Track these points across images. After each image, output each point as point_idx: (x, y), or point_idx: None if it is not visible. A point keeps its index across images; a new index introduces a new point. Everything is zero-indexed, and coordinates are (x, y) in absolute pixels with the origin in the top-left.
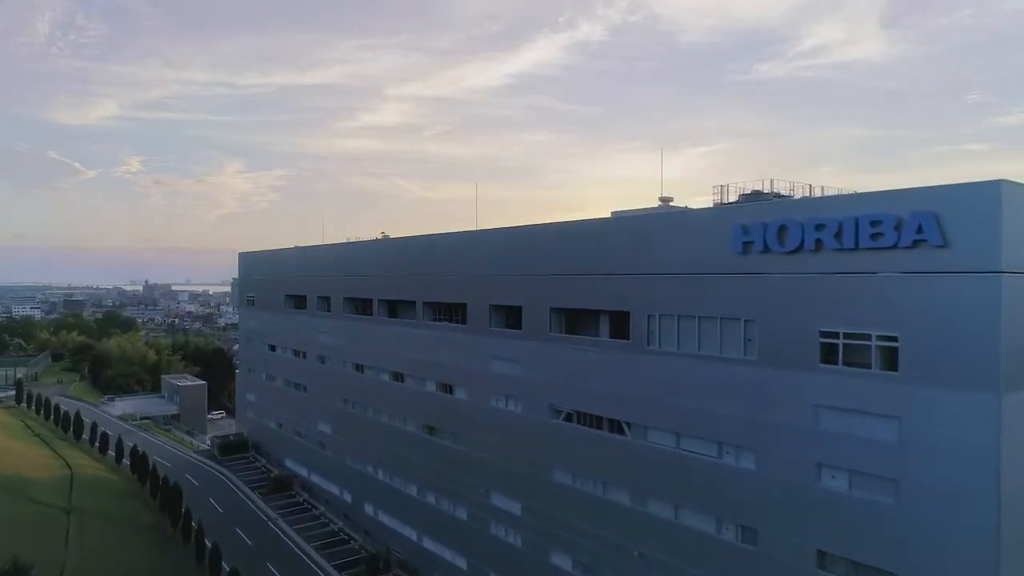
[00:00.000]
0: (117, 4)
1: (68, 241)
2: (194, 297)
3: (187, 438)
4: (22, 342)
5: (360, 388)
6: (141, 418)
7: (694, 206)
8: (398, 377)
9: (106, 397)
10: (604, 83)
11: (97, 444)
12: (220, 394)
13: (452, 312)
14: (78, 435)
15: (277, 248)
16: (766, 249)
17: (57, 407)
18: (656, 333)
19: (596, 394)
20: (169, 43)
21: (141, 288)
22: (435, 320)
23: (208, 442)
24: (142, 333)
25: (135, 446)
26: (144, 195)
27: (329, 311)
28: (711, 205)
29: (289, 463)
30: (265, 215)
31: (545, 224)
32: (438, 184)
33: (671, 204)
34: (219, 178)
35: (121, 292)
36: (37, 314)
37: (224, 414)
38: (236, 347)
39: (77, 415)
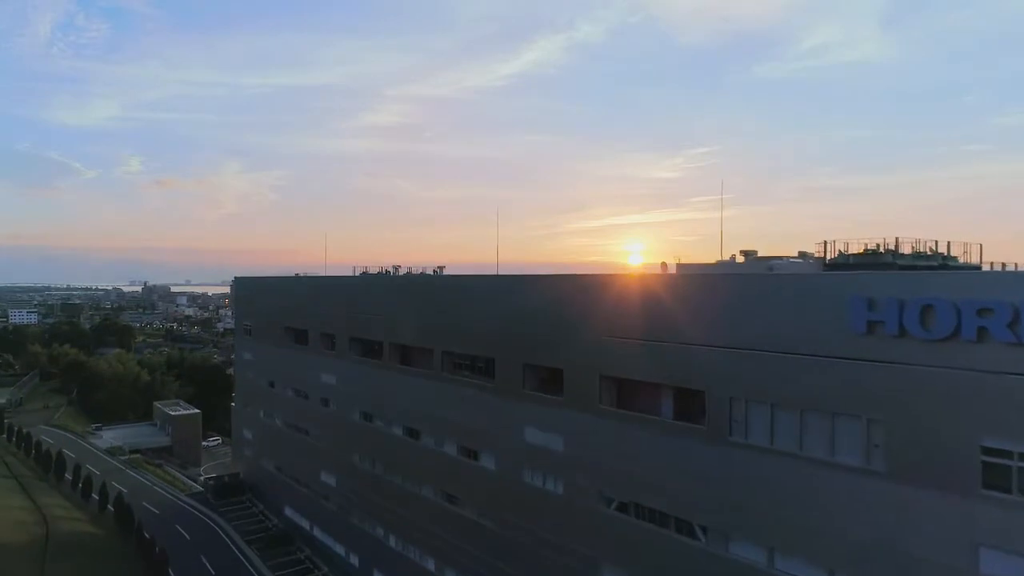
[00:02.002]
0: (117, 5)
1: (68, 241)
2: (193, 299)
3: (179, 477)
4: (10, 358)
5: (369, 440)
6: (130, 451)
7: (775, 253)
8: (413, 433)
9: (93, 427)
10: (604, 84)
11: (80, 486)
12: (217, 413)
13: (477, 365)
14: (60, 475)
15: (276, 271)
16: (902, 333)
17: (39, 444)
18: (741, 421)
19: (659, 485)
20: (169, 43)
21: (140, 289)
22: (457, 373)
23: (202, 476)
24: (139, 340)
25: (120, 495)
26: (144, 195)
27: (333, 349)
28: (805, 257)
29: (289, 511)
30: (265, 215)
31: (598, 275)
32: (438, 184)
33: (757, 257)
34: (219, 178)
35: (120, 294)
36: (34, 318)
37: (220, 440)
38: (233, 354)
39: (59, 454)
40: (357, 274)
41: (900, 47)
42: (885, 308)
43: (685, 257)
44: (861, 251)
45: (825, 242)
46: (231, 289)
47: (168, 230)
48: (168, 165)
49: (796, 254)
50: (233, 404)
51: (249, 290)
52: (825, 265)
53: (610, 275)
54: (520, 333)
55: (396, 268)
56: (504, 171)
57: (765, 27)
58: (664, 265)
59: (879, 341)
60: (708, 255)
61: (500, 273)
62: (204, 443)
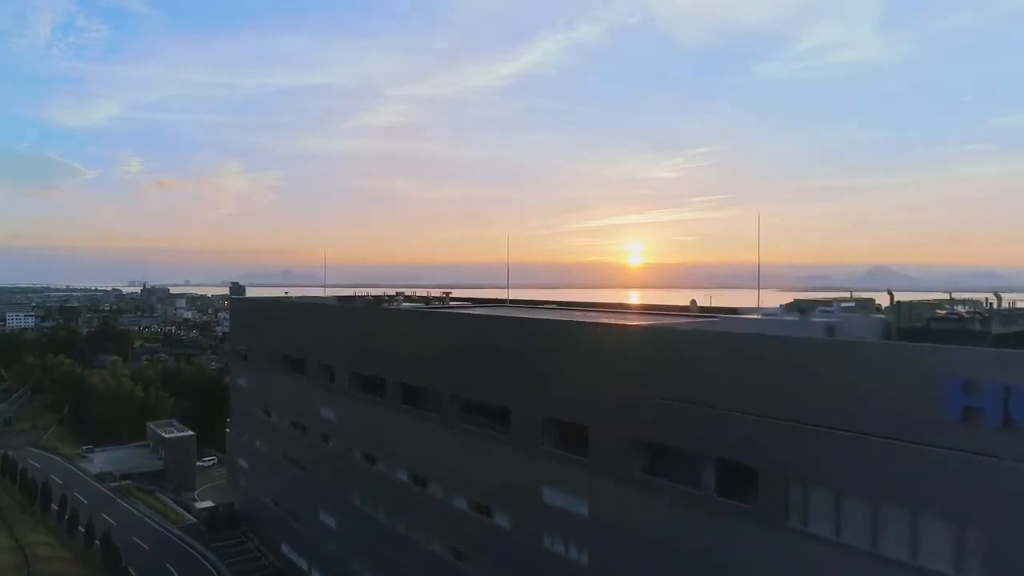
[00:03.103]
0: (117, 5)
1: (68, 241)
2: (192, 302)
3: (171, 505)
4: (2, 372)
5: (371, 482)
6: (121, 477)
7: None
8: (419, 480)
9: (84, 449)
10: (603, 84)
11: (67, 518)
12: (214, 429)
13: (491, 412)
14: (46, 505)
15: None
16: (1008, 423)
17: (24, 472)
18: (801, 507)
19: (699, 567)
20: (169, 44)
21: (139, 290)
22: (466, 418)
23: (196, 503)
24: (137, 345)
25: (107, 533)
26: (143, 195)
27: (333, 382)
28: (863, 308)
29: (286, 549)
30: (264, 215)
31: (635, 326)
32: (438, 184)
33: (820, 307)
34: (218, 178)
35: (119, 295)
36: (32, 322)
37: (216, 460)
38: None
39: (45, 484)
40: (358, 295)
41: (898, 48)
42: (986, 393)
43: (685, 257)
44: (939, 311)
45: (891, 296)
46: (229, 290)
47: (167, 230)
48: (168, 165)
49: (849, 297)
50: (228, 430)
51: (244, 312)
52: (900, 331)
53: (648, 326)
54: (539, 382)
55: (399, 294)
56: (504, 171)
57: (764, 28)
58: (693, 303)
59: (978, 431)
60: (708, 255)
61: (510, 273)
62: (200, 462)
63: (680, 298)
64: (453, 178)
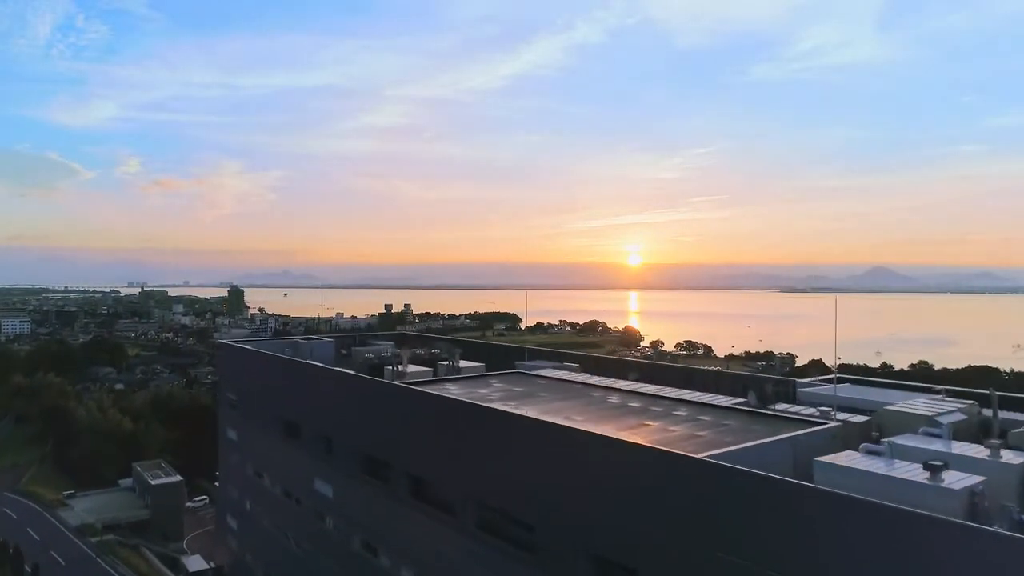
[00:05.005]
0: (117, 6)
1: (67, 242)
2: (190, 305)
3: (156, 565)
4: None
5: None
6: (104, 528)
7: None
8: None
9: (65, 494)
10: (602, 85)
11: None
12: (207, 461)
13: (516, 525)
14: (19, 572)
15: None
16: None
17: None
18: None
19: None
20: (169, 45)
21: (138, 292)
22: (488, 529)
23: (184, 557)
24: (133, 355)
25: None
26: (143, 196)
27: (331, 453)
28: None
29: None
30: (264, 216)
31: (700, 459)
32: (438, 184)
33: (923, 430)
34: (218, 179)
35: (117, 298)
36: (27, 327)
37: (207, 499)
38: (220, 406)
39: (17, 549)
40: (358, 337)
41: (897, 48)
42: None
43: (684, 258)
44: None
45: (993, 399)
46: (228, 292)
47: (167, 230)
48: (167, 165)
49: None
50: (217, 484)
51: (232, 361)
52: None
53: (721, 466)
54: (576, 504)
55: (407, 349)
56: (504, 171)
57: (762, 29)
58: (751, 395)
59: None
60: (707, 256)
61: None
62: (190, 502)
63: (680, 298)
64: (453, 178)
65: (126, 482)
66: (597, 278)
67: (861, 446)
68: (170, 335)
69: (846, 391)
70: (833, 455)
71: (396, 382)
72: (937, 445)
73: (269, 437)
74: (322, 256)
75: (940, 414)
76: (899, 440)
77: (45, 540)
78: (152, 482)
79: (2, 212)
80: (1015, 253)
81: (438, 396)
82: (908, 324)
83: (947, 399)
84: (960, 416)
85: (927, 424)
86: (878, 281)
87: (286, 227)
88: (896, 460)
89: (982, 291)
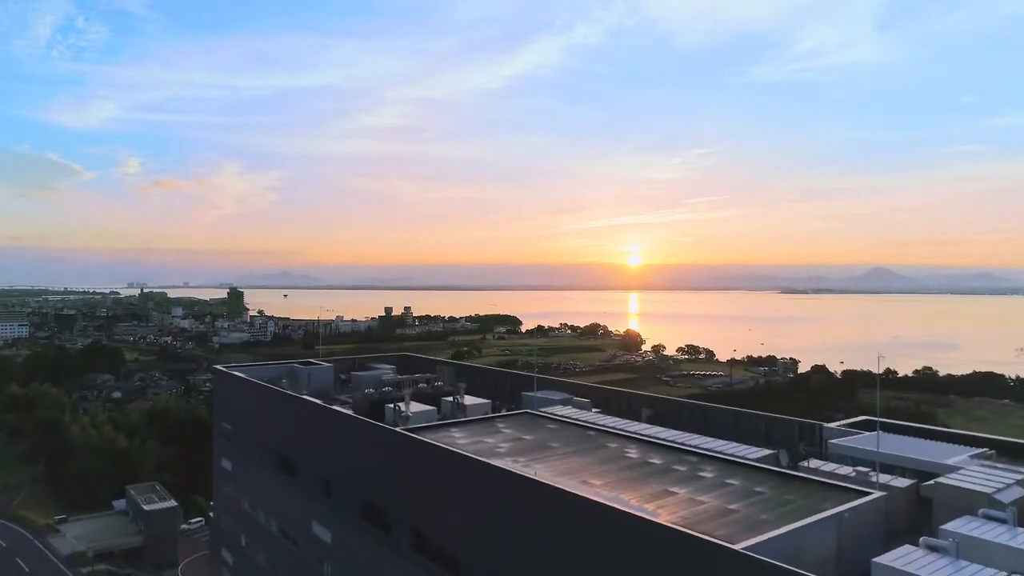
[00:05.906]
0: (117, 7)
1: (67, 242)
2: (190, 308)
3: None
4: None
5: None
6: (95, 555)
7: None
8: None
9: (56, 519)
10: (602, 85)
11: None
12: (203, 479)
13: None
14: None
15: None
16: None
17: None
18: None
19: None
20: (169, 45)
21: (137, 294)
22: None
23: None
24: (132, 360)
25: None
26: (143, 196)
27: (329, 496)
28: None
29: None
30: (264, 216)
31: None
32: (438, 184)
33: (988, 512)
34: (218, 179)
35: (116, 299)
36: (25, 331)
37: (203, 521)
38: (216, 435)
39: None
40: (356, 363)
41: (896, 49)
42: None
43: (684, 258)
44: None
45: None
46: (227, 294)
47: (167, 231)
48: (167, 166)
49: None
50: (212, 514)
51: (230, 390)
52: None
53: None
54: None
55: (414, 383)
56: (504, 171)
57: (762, 30)
58: (779, 453)
59: None
60: (706, 256)
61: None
62: (185, 524)
63: (681, 299)
64: (453, 178)
65: (120, 503)
66: (597, 279)
67: (921, 540)
68: (169, 339)
69: (877, 441)
70: (891, 554)
71: (399, 428)
72: (1004, 535)
73: (265, 472)
74: (322, 256)
75: (998, 490)
76: (962, 529)
77: (35, 571)
78: (146, 507)
79: (2, 212)
80: (1015, 254)
81: (444, 450)
82: (909, 327)
83: (996, 463)
84: (1020, 491)
85: (987, 504)
86: (878, 282)
87: (286, 228)
88: (963, 561)
89: (982, 292)
